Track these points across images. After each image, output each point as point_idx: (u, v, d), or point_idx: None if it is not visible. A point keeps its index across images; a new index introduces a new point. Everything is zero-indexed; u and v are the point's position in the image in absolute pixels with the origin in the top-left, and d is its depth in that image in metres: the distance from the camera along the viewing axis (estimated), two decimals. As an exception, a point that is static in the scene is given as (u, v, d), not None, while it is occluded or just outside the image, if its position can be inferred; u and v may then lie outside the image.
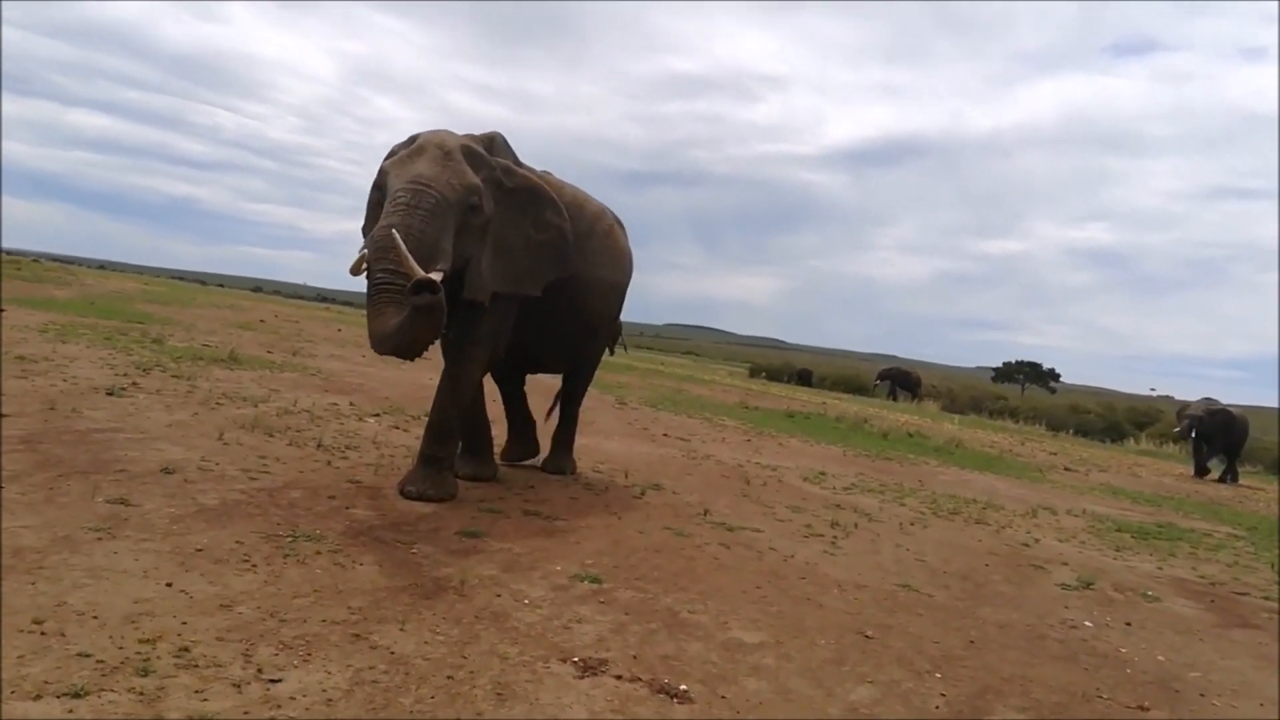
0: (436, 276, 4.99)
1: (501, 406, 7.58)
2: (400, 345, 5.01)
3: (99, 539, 4.02)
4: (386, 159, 5.79)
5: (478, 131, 6.21)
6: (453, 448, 6.15)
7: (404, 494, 5.78)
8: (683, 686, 3.47)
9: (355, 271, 5.27)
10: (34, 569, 3.55)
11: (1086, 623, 5.42)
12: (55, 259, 41.04)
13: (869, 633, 4.53)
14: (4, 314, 11.76)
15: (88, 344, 10.39)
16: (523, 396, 7.74)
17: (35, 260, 28.69)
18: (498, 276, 6.00)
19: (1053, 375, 65.36)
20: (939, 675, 4.08)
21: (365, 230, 5.93)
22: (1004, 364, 67.02)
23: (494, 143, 6.18)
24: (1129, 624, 5.53)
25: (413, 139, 5.80)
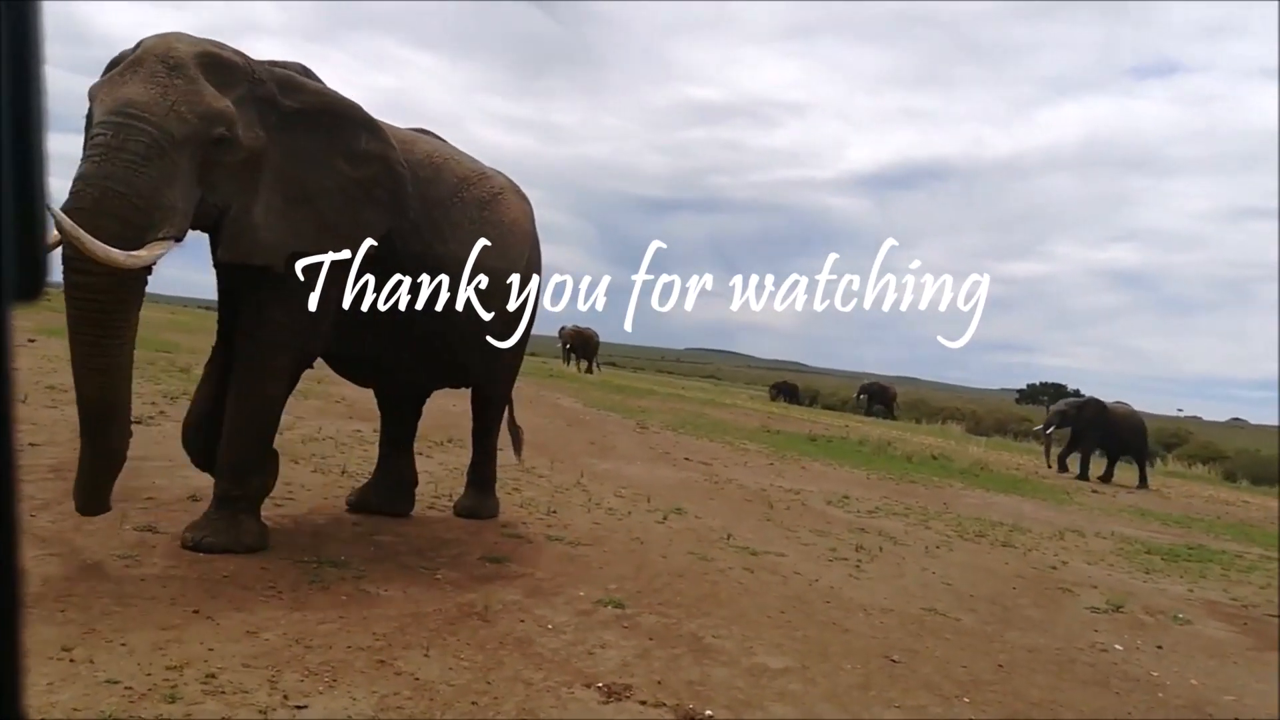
0: (159, 249, 3.78)
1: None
2: None
3: (127, 566, 4.07)
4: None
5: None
6: (254, 486, 4.68)
7: (183, 544, 4.46)
8: (708, 712, 3.45)
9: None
10: (63, 596, 3.59)
11: (1117, 646, 5.34)
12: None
13: (895, 657, 4.48)
14: (33, 344, 11.95)
15: (116, 374, 10.50)
16: (406, 427, 6.28)
17: (65, 292, 29.18)
18: (299, 234, 4.49)
19: (1078, 396, 64.70)
20: (967, 700, 4.03)
21: None
22: (1028, 385, 66.46)
23: (289, 69, 4.62)
24: (1160, 647, 5.45)
25: (137, 46, 4.09)
